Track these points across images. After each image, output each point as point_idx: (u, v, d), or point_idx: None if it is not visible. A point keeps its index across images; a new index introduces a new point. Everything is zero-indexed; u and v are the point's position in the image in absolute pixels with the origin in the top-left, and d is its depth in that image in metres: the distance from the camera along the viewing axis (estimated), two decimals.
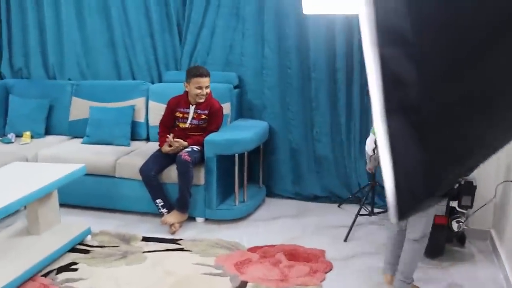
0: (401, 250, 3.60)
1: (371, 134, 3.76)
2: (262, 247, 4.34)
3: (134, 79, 5.66)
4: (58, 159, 4.95)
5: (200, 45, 5.42)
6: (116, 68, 5.74)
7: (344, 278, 3.90)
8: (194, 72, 4.70)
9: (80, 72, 5.84)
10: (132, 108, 5.38)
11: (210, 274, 3.92)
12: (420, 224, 3.45)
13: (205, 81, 4.71)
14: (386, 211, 4.90)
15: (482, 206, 4.11)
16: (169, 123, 4.88)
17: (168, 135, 4.70)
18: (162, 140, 4.80)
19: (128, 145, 5.28)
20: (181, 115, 4.81)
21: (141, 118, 5.43)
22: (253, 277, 3.87)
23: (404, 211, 0.96)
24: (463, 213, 4.13)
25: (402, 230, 3.64)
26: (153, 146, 5.04)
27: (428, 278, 3.88)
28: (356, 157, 5.20)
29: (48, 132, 5.71)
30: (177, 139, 4.68)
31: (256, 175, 5.26)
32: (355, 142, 5.18)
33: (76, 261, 4.10)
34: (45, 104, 5.67)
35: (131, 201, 4.90)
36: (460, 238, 4.34)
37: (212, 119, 4.82)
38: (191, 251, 4.28)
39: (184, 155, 4.55)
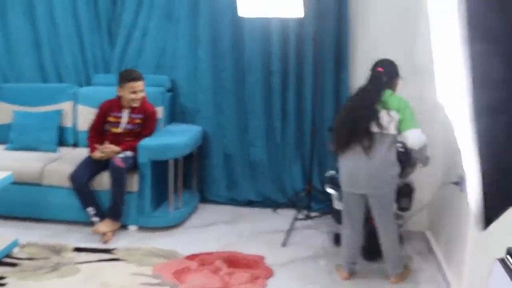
0: (355, 248, 3.86)
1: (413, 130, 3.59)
2: (199, 254, 4.23)
3: (60, 82, 5.40)
4: None
5: (131, 47, 5.24)
6: (41, 70, 5.45)
7: (286, 283, 3.85)
8: (128, 76, 4.54)
9: (2, 74, 5.51)
10: (59, 112, 5.13)
11: (149, 284, 3.78)
12: (384, 214, 3.72)
13: (139, 85, 4.56)
14: (322, 215, 4.91)
15: (423, 208, 4.17)
16: (100, 128, 4.69)
17: (98, 145, 4.54)
18: (92, 146, 4.62)
19: (55, 151, 5.03)
20: (114, 119, 4.63)
21: (68, 123, 5.19)
22: (194, 286, 3.76)
23: (491, 216, 0.90)
24: (401, 215, 4.18)
25: (355, 229, 3.81)
26: (82, 152, 4.83)
27: (368, 280, 3.89)
28: (291, 161, 5.16)
29: None
30: (109, 145, 4.51)
31: (189, 180, 5.13)
32: (290, 146, 5.14)
33: (4, 276, 3.85)
34: None
35: (60, 209, 4.67)
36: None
37: (146, 124, 4.67)
38: (126, 260, 4.12)
39: (118, 161, 4.38)
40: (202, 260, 4.14)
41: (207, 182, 5.32)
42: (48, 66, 5.42)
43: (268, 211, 5.18)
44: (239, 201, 5.29)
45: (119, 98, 4.63)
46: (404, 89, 3.85)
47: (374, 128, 3.55)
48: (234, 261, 4.12)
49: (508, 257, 1.76)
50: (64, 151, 5.07)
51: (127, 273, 3.92)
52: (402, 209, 4.05)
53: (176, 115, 5.29)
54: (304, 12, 4.33)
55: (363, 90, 3.71)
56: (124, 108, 4.62)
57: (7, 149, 5.08)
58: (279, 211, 5.15)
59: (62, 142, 5.17)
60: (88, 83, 5.37)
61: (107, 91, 4.96)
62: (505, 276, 1.79)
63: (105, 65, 5.37)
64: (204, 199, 5.32)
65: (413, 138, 3.52)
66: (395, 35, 4.64)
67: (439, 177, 4.26)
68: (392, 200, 3.79)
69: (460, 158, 3.55)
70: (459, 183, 3.62)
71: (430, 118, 4.17)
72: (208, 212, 5.12)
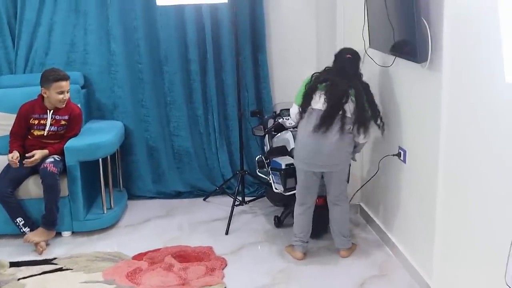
0: (310, 225, 3.96)
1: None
2: (146, 253, 4.12)
3: None
4: None
5: (36, 45, 4.94)
6: None
7: (243, 271, 3.86)
8: (54, 76, 4.29)
9: None
10: None
11: None
12: (339, 188, 3.86)
13: (66, 84, 4.34)
14: (257, 198, 4.94)
15: (367, 181, 4.32)
16: (21, 132, 4.41)
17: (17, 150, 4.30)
18: (12, 149, 4.36)
19: None
20: (36, 121, 4.37)
21: None
22: (152, 287, 3.66)
23: None
24: None
25: (308, 207, 3.91)
26: (1, 160, 4.53)
27: (320, 257, 3.99)
28: (218, 148, 5.15)
29: None
30: (35, 152, 4.26)
31: (115, 178, 4.96)
32: (215, 133, 5.12)
33: None
34: None
35: None
36: None
37: (71, 125, 4.45)
38: (72, 269, 3.92)
39: (50, 166, 4.15)
40: (151, 258, 4.04)
41: (132, 178, 5.18)
42: None
43: (198, 201, 5.13)
44: (167, 194, 5.21)
45: (41, 99, 4.37)
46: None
47: (348, 113, 3.68)
48: (184, 256, 4.06)
49: None
50: None
51: (77, 282, 3.75)
52: None
53: (92, 111, 5.07)
54: None
55: (336, 75, 3.76)
56: (48, 109, 4.36)
57: None
58: (210, 199, 5.12)
59: None
60: None
61: (16, 93, 4.71)
62: None
63: (9, 66, 5.02)
64: (131, 196, 5.16)
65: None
66: (309, 13, 4.75)
67: (370, 150, 4.42)
68: (346, 175, 3.93)
69: (400, 131, 3.74)
70: (400, 154, 3.79)
71: None
72: (138, 209, 4.99)
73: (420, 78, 3.38)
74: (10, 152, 4.34)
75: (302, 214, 3.93)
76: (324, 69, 3.84)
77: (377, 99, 3.87)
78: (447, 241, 3.13)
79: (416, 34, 3.16)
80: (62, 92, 4.31)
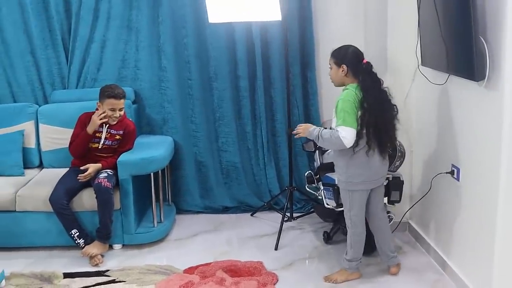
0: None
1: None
2: (197, 266, 4.15)
3: (15, 101, 5.12)
4: None
5: (89, 60, 5.05)
6: None
7: (294, 286, 3.87)
8: (109, 93, 4.38)
9: None
10: (21, 133, 4.86)
11: None
12: (382, 201, 3.91)
13: (120, 103, 4.43)
14: (305, 214, 4.95)
15: (420, 199, 4.29)
16: None
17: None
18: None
19: (23, 174, 4.77)
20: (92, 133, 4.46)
21: (31, 144, 4.92)
22: None
23: None
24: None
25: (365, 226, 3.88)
26: (50, 173, 4.65)
27: (370, 274, 3.98)
28: (266, 164, 5.18)
29: None
30: (89, 165, 4.35)
31: (164, 193, 5.01)
32: (263, 149, 5.16)
33: None
34: None
35: (37, 235, 4.43)
36: None
37: (125, 140, 4.54)
38: (125, 281, 3.98)
39: (104, 181, 4.22)
40: (202, 272, 4.07)
41: (181, 192, 5.24)
42: (0, 86, 5.13)
43: (246, 216, 5.17)
44: (214, 209, 5.25)
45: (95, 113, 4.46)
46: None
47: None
48: (235, 270, 4.08)
49: None
50: (31, 173, 4.83)
51: None
52: (393, 202, 4.15)
53: (142, 127, 5.16)
54: (282, 15, 4.35)
55: (374, 88, 3.61)
56: (103, 123, 4.45)
57: None
58: (257, 214, 5.15)
59: (26, 164, 4.89)
60: (46, 101, 5.13)
61: (69, 108, 4.84)
62: None
63: (62, 81, 5.14)
64: (179, 210, 5.23)
65: None
66: (358, 30, 4.78)
67: (420, 168, 4.41)
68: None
69: (453, 148, 3.73)
70: (453, 172, 3.78)
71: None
72: (186, 223, 5.04)
73: (476, 96, 3.37)
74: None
75: (362, 235, 3.86)
76: (359, 85, 3.61)
77: (430, 116, 3.86)
78: (507, 261, 3.11)
79: (474, 51, 3.15)
80: (113, 110, 4.40)
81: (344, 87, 3.69)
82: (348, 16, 4.88)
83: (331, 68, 3.75)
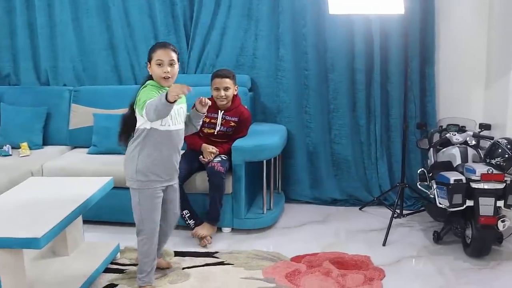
0: None
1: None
2: (304, 256, 4.17)
3: (136, 83, 5.33)
4: (67, 172, 4.62)
5: (209, 47, 5.20)
6: (116, 72, 5.43)
7: (401, 283, 3.79)
8: (215, 74, 4.51)
9: (76, 77, 5.48)
10: None
11: None
12: None
13: (223, 81, 4.48)
14: (415, 212, 4.86)
15: None
16: None
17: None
18: (196, 141, 4.54)
19: None
20: (208, 120, 4.55)
21: None
22: None
23: None
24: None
25: None
26: None
27: (481, 278, 3.84)
28: (377, 159, 5.13)
29: (45, 142, 5.32)
30: (212, 148, 4.47)
31: (274, 181, 5.06)
32: (376, 143, 5.11)
33: (115, 283, 3.81)
34: (42, 112, 5.27)
35: None
36: (498, 237, 4.34)
37: (240, 127, 4.61)
38: (233, 264, 4.06)
39: (217, 166, 4.32)
40: (309, 261, 4.08)
41: (291, 181, 5.29)
42: (123, 68, 5.40)
43: (354, 210, 5.14)
44: (323, 200, 5.27)
45: (213, 99, 4.57)
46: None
47: None
48: (341, 262, 4.07)
49: None
50: None
51: (238, 277, 3.86)
52: (509, 206, 3.99)
53: (256, 115, 5.24)
54: (404, 8, 4.27)
55: None
56: (219, 109, 4.56)
57: (90, 152, 5.05)
58: (365, 209, 5.11)
59: None
60: None
61: None
62: None
63: (181, 66, 5.30)
64: (288, 199, 5.28)
65: None
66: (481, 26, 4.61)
67: None
68: None
69: None
70: None
71: None
72: (295, 212, 5.08)
73: None
74: (195, 143, 4.53)
75: None
76: None
77: None
78: None
79: None
80: (218, 89, 4.48)
81: None
82: (471, 13, 4.74)
83: None
